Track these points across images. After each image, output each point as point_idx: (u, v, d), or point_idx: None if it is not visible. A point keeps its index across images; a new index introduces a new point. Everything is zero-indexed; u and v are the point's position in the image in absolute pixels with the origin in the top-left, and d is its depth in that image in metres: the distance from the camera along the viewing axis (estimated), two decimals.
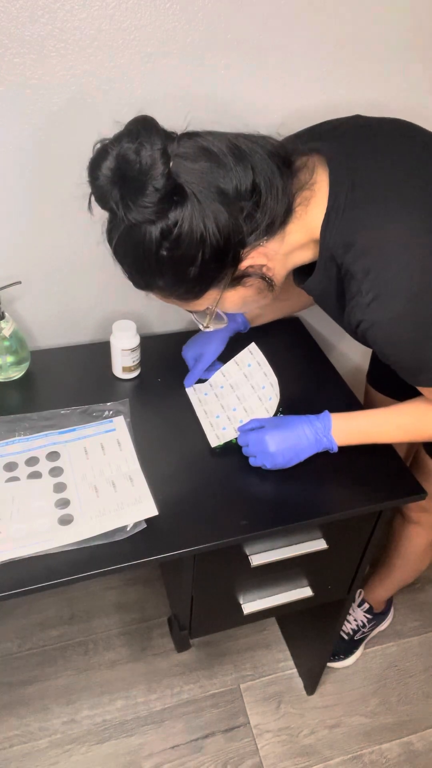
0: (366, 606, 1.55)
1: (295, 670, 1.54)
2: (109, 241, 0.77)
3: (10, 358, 1.11)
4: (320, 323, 1.43)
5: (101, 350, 1.18)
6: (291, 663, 1.56)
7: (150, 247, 0.72)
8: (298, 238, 0.81)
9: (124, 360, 1.12)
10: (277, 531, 0.91)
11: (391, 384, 1.26)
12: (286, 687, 1.51)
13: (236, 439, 1.01)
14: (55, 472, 0.96)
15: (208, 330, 0.89)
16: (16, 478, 0.94)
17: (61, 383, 1.14)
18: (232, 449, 1.01)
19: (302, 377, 1.18)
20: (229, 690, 1.50)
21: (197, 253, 0.73)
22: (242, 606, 1.07)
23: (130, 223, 0.71)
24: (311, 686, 1.48)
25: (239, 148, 0.73)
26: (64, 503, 0.91)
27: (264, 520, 0.91)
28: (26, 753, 1.36)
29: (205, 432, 1.04)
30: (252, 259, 0.78)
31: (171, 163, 0.69)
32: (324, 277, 0.84)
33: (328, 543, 1.00)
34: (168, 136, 0.70)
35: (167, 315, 1.30)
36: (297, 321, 1.35)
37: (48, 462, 0.97)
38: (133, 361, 1.13)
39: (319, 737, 1.43)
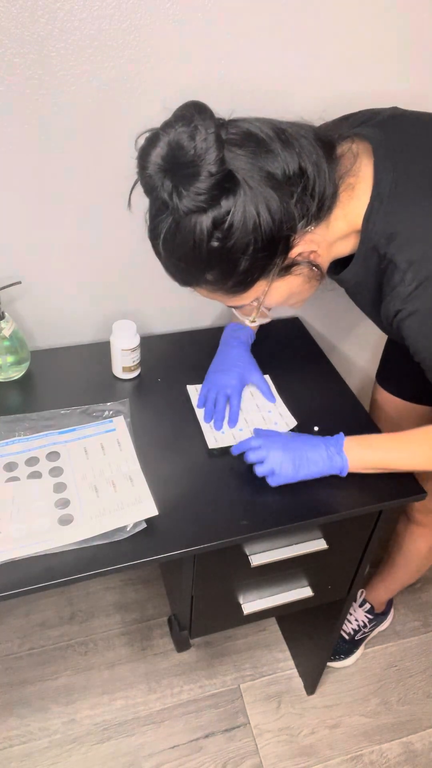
0: (367, 606, 1.55)
1: (295, 670, 1.54)
2: (155, 236, 0.74)
3: (10, 358, 1.11)
4: (320, 323, 1.43)
5: (101, 350, 1.18)
6: (291, 663, 1.56)
7: (201, 238, 0.70)
8: (342, 227, 0.80)
9: (124, 360, 1.12)
10: (277, 531, 0.91)
11: (400, 385, 1.25)
12: (286, 687, 1.51)
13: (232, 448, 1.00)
14: (55, 472, 0.96)
15: (253, 324, 0.87)
16: (16, 478, 0.94)
17: (61, 383, 1.14)
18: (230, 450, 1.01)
19: (302, 376, 1.18)
20: (229, 690, 1.50)
21: (249, 241, 0.71)
22: (242, 606, 1.07)
23: (180, 213, 0.69)
24: (311, 686, 1.48)
25: (285, 132, 0.72)
26: (64, 503, 0.91)
27: (264, 520, 0.91)
28: (26, 753, 1.36)
29: (204, 433, 1.04)
30: (302, 245, 0.76)
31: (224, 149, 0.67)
32: (362, 268, 0.83)
33: (328, 543, 1.00)
34: (219, 122, 0.68)
35: (167, 315, 1.30)
36: (297, 321, 1.35)
37: (48, 462, 0.97)
38: (133, 361, 1.13)
39: (319, 737, 1.43)
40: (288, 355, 1.23)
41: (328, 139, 0.76)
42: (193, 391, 1.12)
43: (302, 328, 1.33)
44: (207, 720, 1.44)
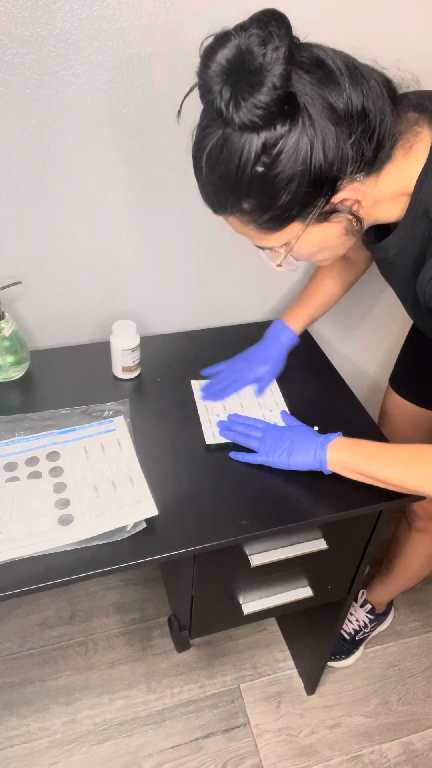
0: (368, 606, 1.55)
1: (295, 670, 1.54)
2: (200, 150, 0.70)
3: (10, 358, 1.11)
4: (321, 324, 1.43)
5: (101, 350, 1.18)
6: (291, 663, 1.56)
7: (248, 159, 0.67)
8: (392, 185, 0.77)
9: (124, 360, 1.12)
10: (277, 531, 0.91)
11: (415, 389, 1.24)
12: (286, 687, 1.51)
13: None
14: (55, 472, 0.96)
15: (279, 270, 0.83)
16: (16, 478, 0.94)
17: (61, 383, 1.14)
18: (228, 447, 1.01)
19: (302, 377, 1.18)
20: (229, 690, 1.50)
21: (295, 174, 0.67)
22: (242, 606, 1.07)
23: (233, 126, 0.65)
24: (311, 686, 1.48)
25: (357, 69, 0.69)
26: (64, 503, 0.91)
27: (264, 520, 0.91)
28: (26, 753, 1.36)
29: (203, 428, 1.04)
30: (347, 192, 0.72)
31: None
32: (407, 235, 0.81)
33: (328, 543, 1.00)
34: (294, 37, 0.64)
35: (167, 315, 1.30)
36: None
37: (48, 462, 0.97)
38: (133, 361, 1.13)
39: (319, 737, 1.43)
40: (289, 356, 1.23)
41: (396, 92, 0.74)
42: (197, 386, 1.13)
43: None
44: (207, 720, 1.44)
